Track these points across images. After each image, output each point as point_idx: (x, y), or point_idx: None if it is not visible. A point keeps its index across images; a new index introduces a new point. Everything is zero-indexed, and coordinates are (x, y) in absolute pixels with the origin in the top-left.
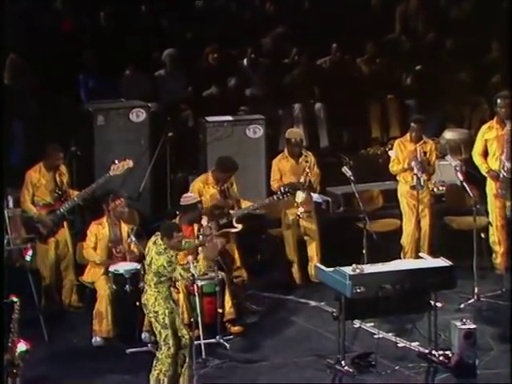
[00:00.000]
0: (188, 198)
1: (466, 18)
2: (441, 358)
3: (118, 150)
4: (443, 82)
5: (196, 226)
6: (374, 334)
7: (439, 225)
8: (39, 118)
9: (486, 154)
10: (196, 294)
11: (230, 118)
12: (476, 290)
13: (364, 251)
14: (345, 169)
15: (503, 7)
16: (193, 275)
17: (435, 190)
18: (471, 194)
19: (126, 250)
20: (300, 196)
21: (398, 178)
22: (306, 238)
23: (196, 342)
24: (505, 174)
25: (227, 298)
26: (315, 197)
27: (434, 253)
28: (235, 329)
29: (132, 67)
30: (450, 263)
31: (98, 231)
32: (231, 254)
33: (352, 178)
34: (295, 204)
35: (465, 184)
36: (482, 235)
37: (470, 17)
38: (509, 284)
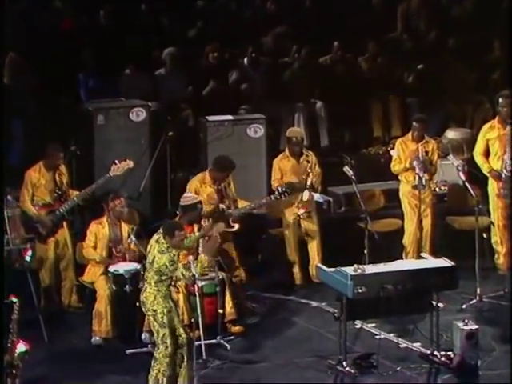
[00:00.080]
0: (188, 198)
1: (467, 16)
2: (443, 358)
3: (118, 149)
4: (445, 81)
5: (196, 227)
6: (376, 334)
7: (441, 225)
8: (39, 117)
9: (487, 153)
10: (196, 294)
11: (230, 117)
12: (478, 290)
13: (365, 251)
14: (346, 168)
15: (503, 7)
16: (194, 275)
17: (437, 189)
18: (473, 194)
19: (126, 250)
20: (306, 195)
21: (399, 177)
22: (307, 238)
23: (196, 343)
24: (507, 173)
25: (228, 298)
26: (316, 197)
27: (435, 253)
28: (236, 329)
29: (132, 66)
30: (452, 263)
31: (98, 231)
32: (230, 254)
33: (353, 177)
34: (297, 204)
35: (467, 184)
36: (484, 235)
37: (471, 15)
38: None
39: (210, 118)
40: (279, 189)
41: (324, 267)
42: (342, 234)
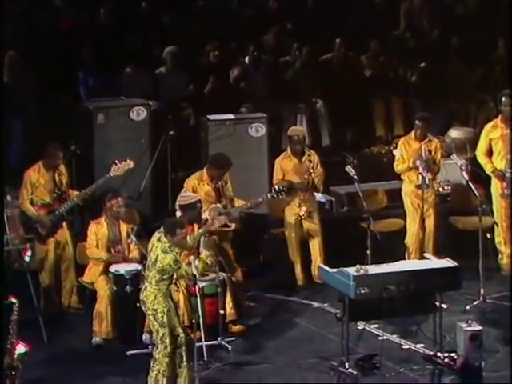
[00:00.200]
0: (187, 197)
1: (471, 14)
2: (446, 360)
3: (119, 148)
4: (448, 79)
5: (196, 226)
6: (379, 335)
7: (444, 225)
8: (38, 116)
9: (490, 153)
10: (197, 295)
11: (231, 116)
12: (482, 291)
13: (368, 251)
14: (348, 168)
15: (505, 4)
16: (195, 275)
17: (440, 189)
18: (477, 194)
19: (125, 250)
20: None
21: (402, 177)
22: (308, 238)
23: (197, 344)
24: (511, 173)
25: (228, 299)
26: (318, 196)
27: (438, 253)
28: (237, 328)
29: (133, 65)
30: (456, 264)
31: (98, 230)
32: (229, 254)
33: (356, 177)
34: (298, 204)
35: (470, 183)
36: (488, 236)
37: (475, 13)
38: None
39: (211, 117)
40: (276, 187)
41: (326, 268)
42: (344, 234)
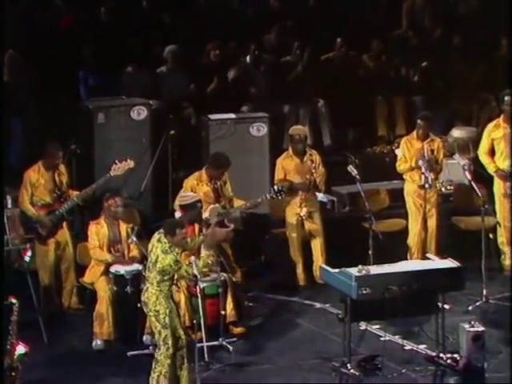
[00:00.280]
0: (186, 197)
1: (473, 13)
2: (448, 361)
3: (119, 148)
4: (451, 78)
5: (197, 226)
6: (381, 336)
7: (446, 225)
8: (38, 116)
9: (492, 152)
10: (198, 295)
11: (233, 115)
12: (484, 291)
13: (370, 252)
14: (350, 168)
15: (507, 2)
16: (196, 275)
17: (443, 189)
18: (479, 194)
19: (125, 250)
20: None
21: (404, 176)
22: (310, 238)
23: (198, 345)
24: None
25: (229, 299)
26: (320, 196)
27: (441, 253)
28: (238, 330)
29: (133, 64)
30: (458, 264)
31: (98, 231)
32: (228, 255)
33: (358, 177)
34: (299, 204)
35: (473, 183)
36: (491, 236)
37: (477, 12)
38: None
39: (212, 116)
40: (275, 187)
41: (328, 268)
42: (346, 234)
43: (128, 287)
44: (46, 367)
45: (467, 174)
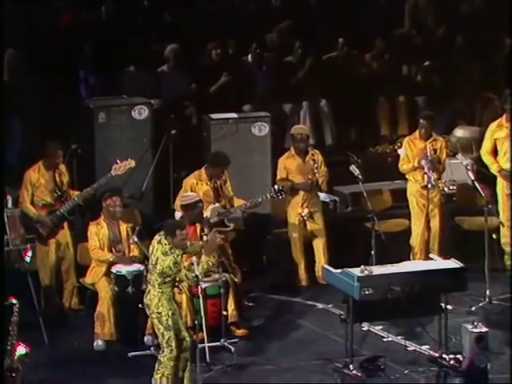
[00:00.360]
0: (187, 197)
1: (476, 12)
2: (451, 361)
3: (120, 148)
4: (454, 78)
5: (199, 226)
6: (383, 337)
7: (449, 225)
8: (38, 115)
9: (495, 152)
10: (200, 296)
11: (234, 115)
12: (488, 292)
13: (372, 252)
14: (353, 167)
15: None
16: (197, 276)
17: (446, 189)
18: (483, 194)
19: (125, 250)
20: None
21: (407, 176)
22: (312, 238)
23: (200, 346)
24: None
25: (230, 300)
26: (322, 196)
27: (444, 254)
28: (239, 332)
29: (134, 63)
30: (461, 265)
31: (98, 231)
32: (229, 255)
33: (360, 176)
34: (301, 204)
35: (476, 183)
36: (494, 236)
37: (480, 11)
38: None
39: (214, 115)
40: (275, 187)
41: (330, 268)
42: (348, 235)
43: (129, 288)
44: (47, 368)
45: (470, 173)
